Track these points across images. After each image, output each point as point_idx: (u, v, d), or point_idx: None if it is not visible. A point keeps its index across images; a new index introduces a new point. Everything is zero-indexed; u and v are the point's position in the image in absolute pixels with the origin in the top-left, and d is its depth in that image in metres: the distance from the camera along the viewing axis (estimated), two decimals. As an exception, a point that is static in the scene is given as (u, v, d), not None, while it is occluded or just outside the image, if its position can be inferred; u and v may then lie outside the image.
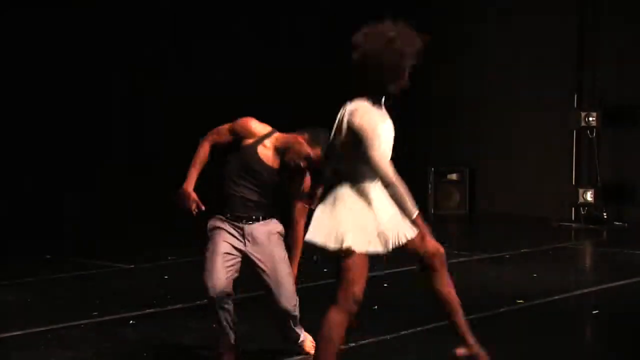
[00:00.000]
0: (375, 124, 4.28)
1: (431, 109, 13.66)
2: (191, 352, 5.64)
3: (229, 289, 5.08)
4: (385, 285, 7.87)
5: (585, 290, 7.84)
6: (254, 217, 5.13)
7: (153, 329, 6.25)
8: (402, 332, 6.13)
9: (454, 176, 13.48)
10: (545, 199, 12.96)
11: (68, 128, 11.26)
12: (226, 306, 5.07)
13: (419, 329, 6.20)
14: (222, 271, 5.05)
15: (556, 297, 7.44)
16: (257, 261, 5.14)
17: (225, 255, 5.10)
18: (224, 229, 5.14)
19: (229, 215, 5.15)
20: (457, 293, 7.51)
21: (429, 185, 13.37)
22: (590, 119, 12.24)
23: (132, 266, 8.75)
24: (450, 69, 13.62)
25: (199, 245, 9.20)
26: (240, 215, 5.12)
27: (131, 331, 6.21)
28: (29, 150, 10.92)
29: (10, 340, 5.93)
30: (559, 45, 12.93)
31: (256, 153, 5.10)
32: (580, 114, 12.36)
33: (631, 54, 12.41)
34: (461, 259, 9.26)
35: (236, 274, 5.15)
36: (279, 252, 5.16)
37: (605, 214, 12.20)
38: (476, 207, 13.58)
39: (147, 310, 6.80)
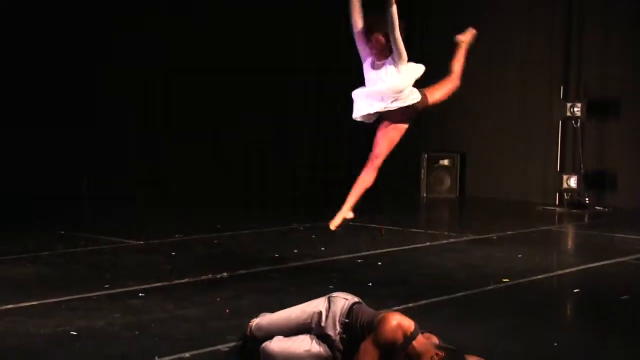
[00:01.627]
0: None
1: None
2: (195, 323, 5.66)
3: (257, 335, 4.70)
4: (379, 264, 7.90)
5: (567, 270, 7.87)
6: None
7: (160, 301, 6.25)
8: (394, 309, 6.13)
9: (445, 162, 13.50)
10: (531, 184, 12.98)
11: (85, 114, 11.23)
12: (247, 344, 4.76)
13: (410, 305, 6.20)
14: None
15: (540, 277, 7.47)
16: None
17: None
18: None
19: None
20: (447, 272, 7.55)
21: (422, 171, 13.40)
22: (575, 109, 12.23)
23: (142, 242, 8.77)
24: (441, 60, 13.59)
25: (203, 224, 9.10)
26: None
27: (140, 303, 6.22)
28: (43, 135, 10.86)
29: (27, 310, 5.95)
30: (546, 39, 12.92)
31: None
32: (566, 105, 12.36)
33: (615, 48, 12.39)
34: (451, 240, 9.28)
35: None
36: None
37: (587, 199, 12.23)
38: (466, 191, 13.60)
39: (155, 284, 6.80)
